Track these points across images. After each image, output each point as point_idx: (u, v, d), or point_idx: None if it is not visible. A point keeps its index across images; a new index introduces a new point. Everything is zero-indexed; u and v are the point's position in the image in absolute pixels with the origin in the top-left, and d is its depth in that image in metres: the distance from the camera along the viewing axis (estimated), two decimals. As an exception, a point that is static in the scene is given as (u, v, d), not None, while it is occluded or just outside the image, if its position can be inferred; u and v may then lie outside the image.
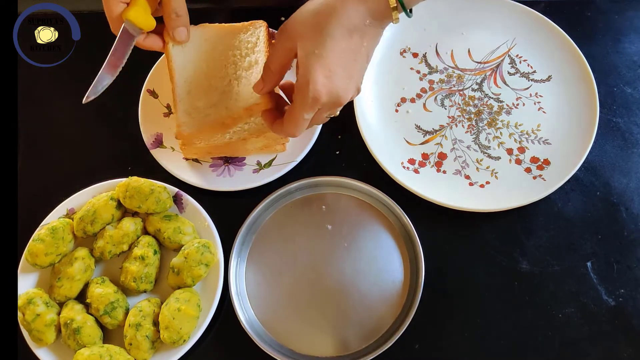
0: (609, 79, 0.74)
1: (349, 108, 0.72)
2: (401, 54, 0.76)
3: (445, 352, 0.64)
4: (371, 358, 0.61)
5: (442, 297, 0.65)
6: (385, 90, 0.75)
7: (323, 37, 0.53)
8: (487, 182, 0.69)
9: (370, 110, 0.72)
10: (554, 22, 0.75)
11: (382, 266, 0.67)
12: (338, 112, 0.60)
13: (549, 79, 0.74)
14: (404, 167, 0.70)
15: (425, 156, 0.71)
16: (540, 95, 0.73)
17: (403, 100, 0.74)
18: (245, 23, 0.67)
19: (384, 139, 0.71)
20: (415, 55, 0.77)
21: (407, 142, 0.72)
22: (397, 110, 0.74)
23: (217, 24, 0.67)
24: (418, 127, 0.73)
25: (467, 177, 0.70)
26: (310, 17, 0.55)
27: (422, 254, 0.64)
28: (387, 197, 0.67)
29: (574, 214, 0.69)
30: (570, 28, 0.75)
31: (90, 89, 0.60)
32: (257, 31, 0.66)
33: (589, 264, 0.66)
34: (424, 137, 0.72)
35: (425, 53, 0.76)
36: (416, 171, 0.70)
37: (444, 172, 0.70)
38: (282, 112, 0.60)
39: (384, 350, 0.61)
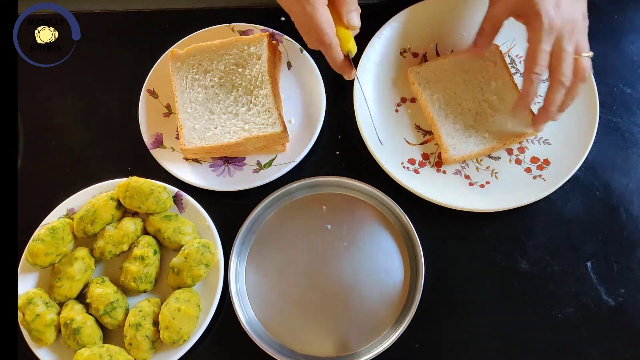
0: (609, 79, 0.74)
1: (349, 108, 0.73)
2: (401, 54, 0.76)
3: (445, 352, 0.64)
4: (371, 358, 0.61)
5: (442, 297, 0.65)
6: (385, 90, 0.75)
7: None
8: (487, 182, 0.69)
9: (370, 110, 0.72)
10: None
11: (382, 266, 0.67)
12: (589, 51, 0.65)
13: (548, 78, 0.74)
14: (404, 167, 0.70)
15: (425, 156, 0.71)
16: (540, 95, 0.73)
17: (403, 100, 0.74)
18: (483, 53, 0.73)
19: (384, 139, 0.71)
20: (415, 55, 0.76)
21: (407, 142, 0.72)
22: (397, 110, 0.74)
23: (454, 54, 0.75)
24: (418, 127, 0.73)
25: (467, 177, 0.69)
26: None
27: (422, 254, 0.64)
28: (387, 197, 0.67)
29: (574, 214, 0.68)
30: (570, 28, 0.75)
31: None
32: (494, 54, 0.73)
33: (589, 264, 0.66)
34: (423, 136, 0.72)
35: (425, 53, 0.76)
36: (416, 171, 0.70)
37: (444, 172, 0.70)
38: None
39: (384, 350, 0.61)
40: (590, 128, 0.69)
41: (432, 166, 0.70)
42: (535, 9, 0.61)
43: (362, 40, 0.74)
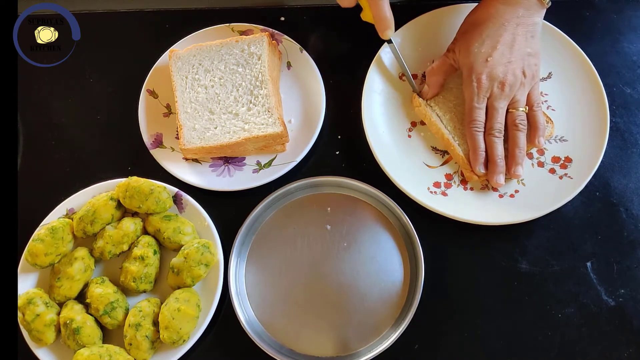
0: (608, 79, 0.74)
1: (349, 108, 0.73)
2: (400, 78, 0.74)
3: (445, 352, 0.64)
4: (371, 358, 0.61)
5: (442, 297, 0.65)
6: (393, 118, 0.72)
7: (482, 38, 0.66)
8: (517, 191, 0.68)
9: (384, 141, 0.70)
10: (553, 23, 0.74)
11: (382, 266, 0.67)
12: (524, 106, 0.67)
13: (549, 76, 0.74)
14: (431, 192, 0.68)
15: (448, 176, 0.70)
16: (545, 94, 0.73)
17: (413, 124, 0.73)
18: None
19: (406, 168, 0.69)
20: (414, 76, 0.75)
21: (427, 165, 0.70)
22: (409, 136, 0.72)
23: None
24: (435, 149, 0.71)
25: (495, 189, 0.68)
26: (469, 26, 0.69)
27: (421, 254, 0.64)
28: (387, 197, 0.67)
29: (574, 214, 0.69)
30: (569, 28, 0.75)
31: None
32: None
33: (589, 264, 0.66)
34: (442, 157, 0.71)
35: (424, 72, 0.73)
36: (444, 194, 0.68)
37: (472, 188, 0.69)
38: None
39: (384, 350, 0.61)
40: (602, 117, 0.69)
41: (458, 185, 0.69)
42: (469, 66, 0.66)
43: (359, 71, 0.74)
